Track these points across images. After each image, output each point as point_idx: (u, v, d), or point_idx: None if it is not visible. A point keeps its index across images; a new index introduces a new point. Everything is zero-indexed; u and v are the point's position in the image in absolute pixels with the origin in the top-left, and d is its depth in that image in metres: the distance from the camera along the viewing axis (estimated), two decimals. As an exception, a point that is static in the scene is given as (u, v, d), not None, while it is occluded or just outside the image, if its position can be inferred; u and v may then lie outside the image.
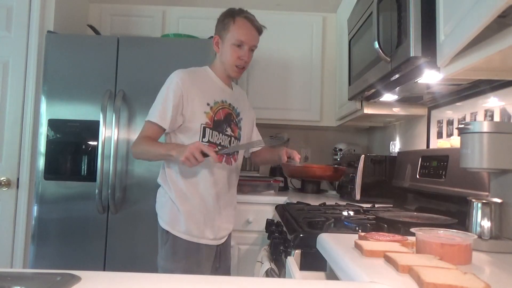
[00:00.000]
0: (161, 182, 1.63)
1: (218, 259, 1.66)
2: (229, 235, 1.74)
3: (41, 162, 2.15)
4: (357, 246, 0.89)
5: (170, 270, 1.53)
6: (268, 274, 1.38)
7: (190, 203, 1.57)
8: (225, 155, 1.63)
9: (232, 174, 1.69)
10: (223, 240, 1.68)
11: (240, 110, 1.72)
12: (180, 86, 1.54)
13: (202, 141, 1.56)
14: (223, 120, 1.63)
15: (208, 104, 1.59)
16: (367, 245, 0.87)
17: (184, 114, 1.55)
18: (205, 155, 1.41)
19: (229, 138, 1.64)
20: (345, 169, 2.33)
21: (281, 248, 1.33)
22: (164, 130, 1.56)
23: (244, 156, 1.83)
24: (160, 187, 1.64)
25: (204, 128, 1.57)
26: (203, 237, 1.58)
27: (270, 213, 2.21)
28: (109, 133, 2.13)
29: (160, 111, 1.54)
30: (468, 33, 0.85)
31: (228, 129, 1.64)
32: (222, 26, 1.61)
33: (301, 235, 1.16)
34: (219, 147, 1.60)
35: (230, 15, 1.60)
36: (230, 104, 1.66)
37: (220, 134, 1.61)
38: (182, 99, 1.54)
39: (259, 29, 1.63)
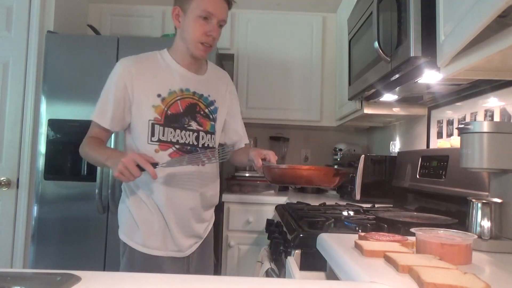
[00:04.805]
0: (122, 187, 1.44)
1: (188, 271, 1.42)
2: (207, 240, 1.50)
3: (41, 162, 2.15)
4: (357, 246, 0.89)
5: None
6: (268, 274, 1.38)
7: (146, 212, 1.36)
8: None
9: (198, 177, 1.40)
10: (193, 249, 1.43)
11: (215, 98, 1.42)
12: (124, 77, 1.32)
13: (151, 140, 1.32)
14: (183, 113, 1.35)
15: (159, 96, 1.33)
16: (367, 245, 0.87)
17: (132, 110, 1.33)
18: (142, 169, 1.16)
19: (195, 134, 1.37)
20: (346, 172, 1.80)
21: (281, 248, 1.33)
22: (108, 130, 1.35)
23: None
24: (122, 193, 1.45)
25: (153, 125, 1.32)
26: (163, 249, 1.36)
27: (270, 213, 2.21)
28: (109, 133, 2.13)
29: (100, 108, 1.34)
30: (468, 33, 0.85)
31: (193, 123, 1.37)
32: None
33: (301, 235, 1.16)
34: (175, 147, 1.34)
35: None
36: (195, 92, 1.38)
37: (178, 131, 1.34)
38: (126, 91, 1.32)
39: (229, 1, 1.36)
